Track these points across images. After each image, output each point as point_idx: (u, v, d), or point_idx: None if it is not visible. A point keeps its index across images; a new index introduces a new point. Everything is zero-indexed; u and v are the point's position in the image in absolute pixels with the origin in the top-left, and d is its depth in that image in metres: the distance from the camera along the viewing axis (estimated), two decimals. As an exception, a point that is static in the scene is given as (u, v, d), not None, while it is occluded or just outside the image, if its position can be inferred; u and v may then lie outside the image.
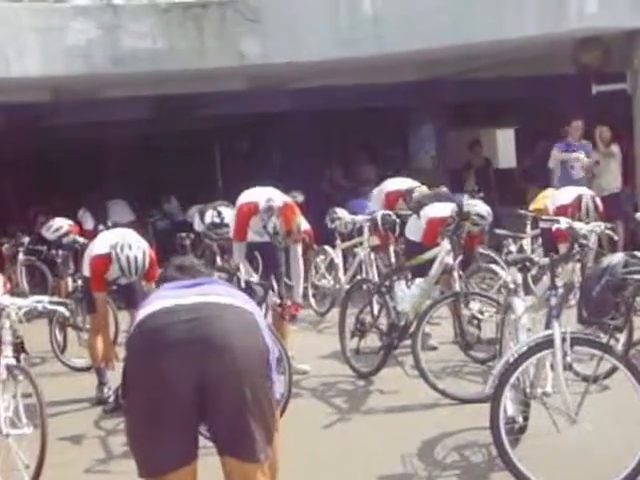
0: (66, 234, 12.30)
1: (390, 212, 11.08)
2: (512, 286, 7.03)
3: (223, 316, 4.10)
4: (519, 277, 7.02)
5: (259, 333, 4.18)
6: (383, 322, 8.92)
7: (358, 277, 11.53)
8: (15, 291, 11.97)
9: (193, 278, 4.36)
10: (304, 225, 10.01)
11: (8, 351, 6.71)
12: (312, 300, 12.46)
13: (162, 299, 4.18)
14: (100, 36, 13.42)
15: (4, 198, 18.62)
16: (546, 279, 6.80)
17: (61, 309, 7.21)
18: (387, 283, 8.95)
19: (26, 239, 13.92)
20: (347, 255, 12.68)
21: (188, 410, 4.04)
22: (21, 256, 13.73)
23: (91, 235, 13.24)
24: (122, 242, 8.29)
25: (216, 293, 4.22)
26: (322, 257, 12.77)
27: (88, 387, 9.05)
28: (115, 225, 13.58)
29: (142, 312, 4.19)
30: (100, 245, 8.64)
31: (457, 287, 8.48)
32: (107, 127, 17.20)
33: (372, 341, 8.98)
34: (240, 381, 4.02)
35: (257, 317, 4.24)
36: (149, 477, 4.14)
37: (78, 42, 13.31)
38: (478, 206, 9.35)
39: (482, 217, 9.19)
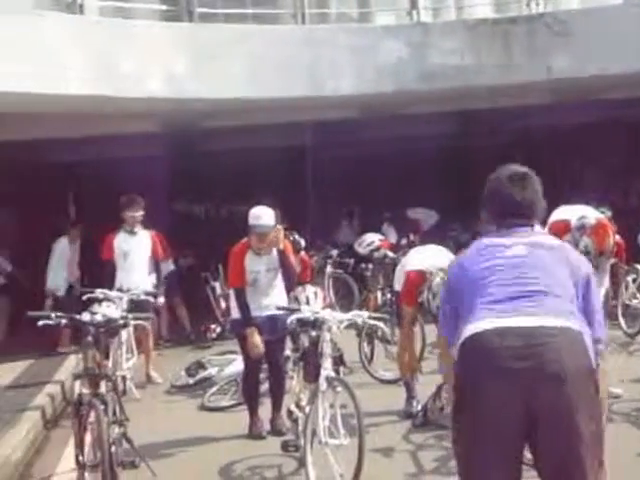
0: (377, 249, 12.58)
1: None
2: None
3: (554, 343, 3.97)
4: None
5: (587, 355, 4.03)
6: None
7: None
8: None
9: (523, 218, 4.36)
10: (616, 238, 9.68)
11: (328, 363, 6.94)
12: (621, 320, 12.08)
13: (490, 318, 4.07)
14: (409, 54, 13.69)
15: (306, 210, 19.19)
16: None
17: (381, 324, 7.36)
18: None
19: (334, 252, 14.31)
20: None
21: (513, 438, 3.97)
22: (329, 269, 14.12)
23: (394, 249, 13.52)
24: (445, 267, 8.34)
25: (547, 311, 4.05)
26: (633, 276, 12.36)
27: (395, 399, 9.19)
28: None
29: (471, 328, 4.12)
30: (415, 261, 8.76)
31: None
32: (412, 141, 17.41)
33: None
34: (571, 412, 3.91)
35: (585, 336, 4.07)
36: None
37: (388, 60, 13.65)
38: None
39: None
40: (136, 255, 11.73)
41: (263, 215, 8.63)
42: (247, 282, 8.71)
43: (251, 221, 8.63)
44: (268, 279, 8.76)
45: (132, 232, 11.75)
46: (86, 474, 6.84)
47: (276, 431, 8.62)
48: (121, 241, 11.76)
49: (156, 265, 12.05)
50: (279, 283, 8.87)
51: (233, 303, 8.96)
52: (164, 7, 13.96)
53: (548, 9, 15.02)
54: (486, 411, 3.98)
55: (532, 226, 4.48)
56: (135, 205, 11.67)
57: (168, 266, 14.59)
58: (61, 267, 14.33)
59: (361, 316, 7.21)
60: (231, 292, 9.05)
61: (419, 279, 8.48)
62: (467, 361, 4.12)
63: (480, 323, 4.10)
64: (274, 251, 8.75)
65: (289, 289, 8.91)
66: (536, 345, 3.96)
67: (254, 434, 8.68)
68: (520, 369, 3.93)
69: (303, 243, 11.44)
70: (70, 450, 8.18)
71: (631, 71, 13.67)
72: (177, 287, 14.74)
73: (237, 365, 10.40)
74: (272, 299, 8.68)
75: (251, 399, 8.90)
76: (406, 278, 8.72)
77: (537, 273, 4.20)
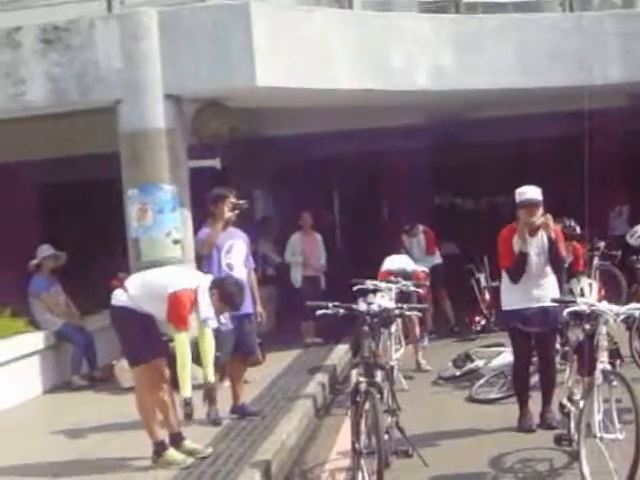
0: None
1: None
2: None
3: None
4: None
5: None
6: None
7: None
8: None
9: None
10: None
11: (604, 357, 6.87)
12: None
13: None
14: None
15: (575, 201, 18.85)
16: None
17: (659, 319, 7.23)
18: None
19: (601, 244, 14.08)
20: None
21: None
22: (596, 261, 13.88)
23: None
24: None
25: None
26: None
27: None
28: None
29: None
30: None
31: None
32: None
33: None
34: None
35: None
36: None
37: (659, 46, 13.34)
38: None
39: None
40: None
41: (529, 190, 8.70)
42: None
43: (518, 198, 8.69)
44: (538, 264, 8.71)
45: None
46: (362, 461, 7.08)
47: (546, 425, 8.61)
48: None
49: None
50: (550, 273, 8.85)
51: (503, 294, 9.01)
52: (431, -1, 14.19)
53: None
54: None
55: None
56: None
57: (434, 259, 14.84)
58: (296, 261, 14.89)
59: (639, 309, 7.11)
60: (502, 278, 9.08)
61: None
62: None
63: None
64: (543, 235, 8.74)
65: (557, 275, 8.86)
66: None
67: (524, 427, 8.69)
68: None
69: (579, 230, 11.24)
70: (342, 437, 8.55)
71: None
72: (442, 279, 14.92)
73: (505, 358, 10.47)
74: (544, 290, 8.65)
75: (521, 392, 8.92)
76: None
77: None
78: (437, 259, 15.01)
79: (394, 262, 12.48)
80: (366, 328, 7.48)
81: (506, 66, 13.12)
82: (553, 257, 8.75)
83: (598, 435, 6.68)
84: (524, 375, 8.94)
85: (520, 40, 13.30)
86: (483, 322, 14.50)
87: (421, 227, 15.06)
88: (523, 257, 8.60)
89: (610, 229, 17.74)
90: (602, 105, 15.26)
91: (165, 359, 7.98)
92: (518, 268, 8.65)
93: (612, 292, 13.58)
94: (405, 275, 11.96)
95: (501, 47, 13.17)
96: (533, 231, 8.72)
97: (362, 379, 7.31)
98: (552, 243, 8.72)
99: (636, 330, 10.60)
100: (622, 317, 7.06)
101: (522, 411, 8.84)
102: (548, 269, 8.82)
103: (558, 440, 7.76)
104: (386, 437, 7.26)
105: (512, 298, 8.80)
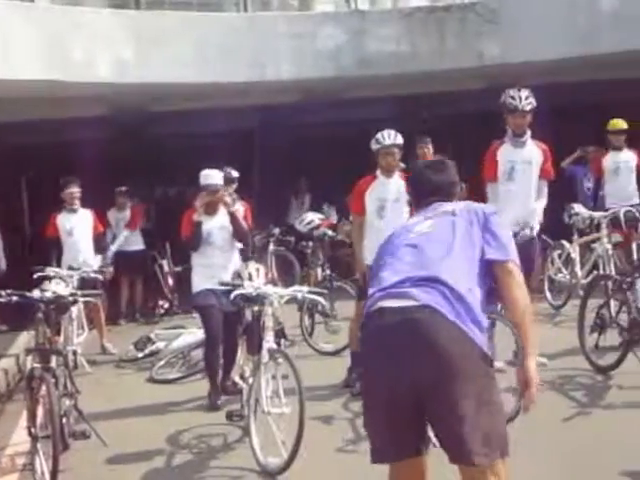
0: (317, 227, 12.61)
1: (631, 208, 10.74)
2: None
3: (430, 319, 3.94)
4: None
5: (470, 333, 3.96)
6: (623, 318, 8.60)
7: (595, 272, 11.20)
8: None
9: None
10: None
11: (270, 336, 6.95)
12: (548, 293, 12.22)
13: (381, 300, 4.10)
14: (347, 40, 13.73)
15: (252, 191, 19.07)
16: None
17: (319, 299, 7.36)
18: (629, 279, 8.59)
19: (276, 230, 14.29)
20: (584, 250, 12.33)
21: (405, 409, 3.98)
22: (271, 246, 14.08)
23: (334, 228, 13.59)
24: None
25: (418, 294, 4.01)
26: (559, 252, 12.47)
27: (335, 370, 9.24)
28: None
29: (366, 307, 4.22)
30: None
31: None
32: (349, 125, 17.37)
33: (611, 336, 8.71)
34: (451, 387, 3.88)
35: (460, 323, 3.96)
36: (375, 462, 4.19)
37: (327, 47, 13.69)
38: None
39: None
40: (79, 232, 11.89)
41: (212, 175, 8.88)
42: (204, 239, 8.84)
43: (203, 181, 8.84)
44: (219, 237, 8.88)
45: (72, 210, 11.93)
46: (38, 445, 6.79)
47: (229, 391, 8.62)
48: (64, 220, 11.92)
49: (97, 240, 12.14)
50: (236, 260, 8.97)
51: (193, 277, 8.99)
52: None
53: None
54: (377, 383, 4.09)
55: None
56: (71, 183, 11.88)
57: (139, 243, 14.65)
58: None
59: (301, 291, 7.19)
60: (193, 264, 9.07)
61: (367, 180, 8.82)
62: (365, 337, 4.26)
63: (372, 301, 4.18)
64: (225, 212, 8.94)
65: (243, 243, 9.12)
66: (413, 321, 3.96)
67: (214, 404, 8.59)
68: (401, 346, 3.96)
69: (235, 173, 11.21)
70: (24, 422, 8.14)
71: (559, 57, 13.77)
72: (143, 266, 14.78)
73: (184, 339, 10.42)
74: (227, 273, 8.72)
75: (213, 370, 8.77)
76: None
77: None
78: (141, 244, 14.78)
79: None
80: (40, 315, 7.19)
81: (185, 61, 13.08)
82: (234, 229, 8.91)
83: (266, 410, 6.73)
84: (217, 353, 8.79)
85: (199, 37, 13.29)
86: (167, 306, 14.41)
87: (130, 203, 14.76)
88: (196, 226, 8.77)
89: (294, 218, 18.01)
90: (277, 101, 15.59)
91: None
92: (194, 236, 8.80)
93: (288, 275, 13.86)
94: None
95: (181, 43, 13.12)
96: (213, 209, 8.88)
97: (37, 365, 7.01)
98: (232, 217, 8.93)
99: (306, 310, 10.86)
100: (286, 299, 7.16)
101: (213, 388, 8.73)
102: (235, 256, 8.97)
103: (230, 416, 7.74)
104: (64, 420, 7.07)
105: (201, 279, 8.83)
